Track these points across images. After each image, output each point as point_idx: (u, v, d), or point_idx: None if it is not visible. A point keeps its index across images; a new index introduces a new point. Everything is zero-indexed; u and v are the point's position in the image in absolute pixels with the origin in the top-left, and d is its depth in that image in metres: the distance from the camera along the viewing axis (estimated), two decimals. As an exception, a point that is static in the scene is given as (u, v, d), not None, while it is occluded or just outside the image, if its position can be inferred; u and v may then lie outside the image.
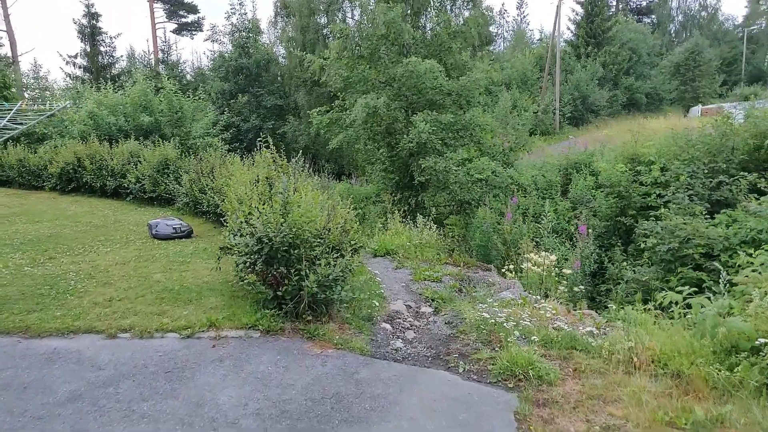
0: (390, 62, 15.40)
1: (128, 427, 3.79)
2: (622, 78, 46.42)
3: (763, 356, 4.06)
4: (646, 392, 4.12)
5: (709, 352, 4.49)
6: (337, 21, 17.33)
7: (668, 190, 11.97)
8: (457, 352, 5.41)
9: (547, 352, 5.18)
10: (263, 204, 6.07)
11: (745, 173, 10.97)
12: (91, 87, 24.31)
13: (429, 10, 18.07)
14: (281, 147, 25.31)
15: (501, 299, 7.57)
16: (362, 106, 13.96)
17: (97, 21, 40.37)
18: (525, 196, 15.80)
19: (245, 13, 35.09)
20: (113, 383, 4.39)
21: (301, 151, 9.17)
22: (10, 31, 40.55)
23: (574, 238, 12.90)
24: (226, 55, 34.64)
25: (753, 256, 6.33)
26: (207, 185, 11.45)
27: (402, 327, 6.35)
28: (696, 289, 8.53)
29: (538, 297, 7.16)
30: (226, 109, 31.44)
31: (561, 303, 7.62)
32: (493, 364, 4.91)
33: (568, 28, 53.57)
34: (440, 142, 14.23)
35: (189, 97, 20.81)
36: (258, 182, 7.44)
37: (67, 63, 39.96)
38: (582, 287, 8.79)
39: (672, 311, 5.57)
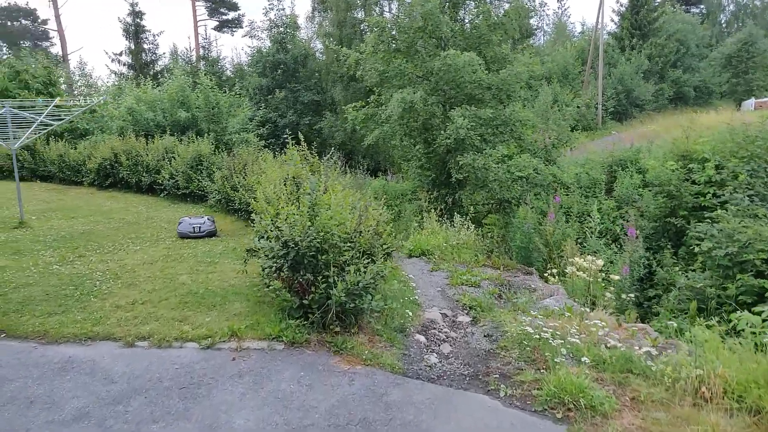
0: (427, 55, 14.93)
1: (134, 453, 3.46)
2: (668, 71, 44.52)
3: None
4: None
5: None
6: (374, 15, 16.94)
7: (724, 189, 11.15)
8: (497, 371, 4.93)
9: (599, 375, 4.67)
10: (290, 205, 5.71)
11: (813, 172, 10.13)
12: (133, 83, 24.58)
13: (468, 1, 17.46)
14: (317, 143, 25.07)
15: (544, 308, 7.08)
16: (398, 101, 13.54)
17: (141, 19, 41.08)
18: (567, 195, 15.16)
19: (283, 9, 35.03)
20: (124, 400, 4.08)
21: (334, 148, 8.83)
22: (60, 31, 41.77)
23: (619, 240, 12.25)
24: (264, 50, 34.60)
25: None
26: (239, 182, 11.20)
27: (437, 339, 5.91)
28: (756, 298, 7.92)
29: (586, 309, 6.60)
30: (263, 104, 31.37)
31: (610, 314, 7.08)
32: (538, 389, 4.42)
33: (612, 20, 51.47)
34: (479, 138, 13.69)
35: (226, 92, 20.72)
36: (287, 182, 7.09)
37: (113, 60, 40.74)
38: (632, 295, 8.20)
39: (743, 330, 4.94)
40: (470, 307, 7.04)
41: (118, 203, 13.92)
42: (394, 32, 15.59)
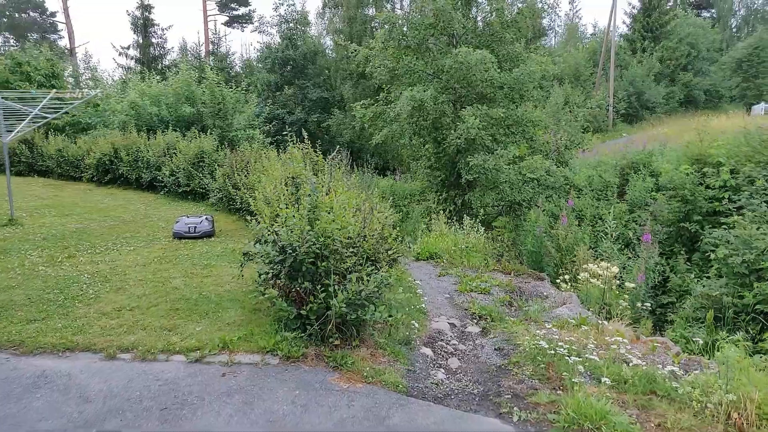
0: (438, 53, 14.55)
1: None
2: (679, 74, 44.01)
3: None
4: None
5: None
6: (385, 11, 16.53)
7: (740, 194, 10.72)
8: (509, 391, 4.53)
9: (621, 397, 4.26)
10: (290, 207, 5.31)
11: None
12: (137, 77, 24.25)
13: (480, -1, 17.04)
14: (325, 140, 24.65)
15: (557, 317, 6.70)
16: (407, 99, 13.15)
17: (150, 13, 40.88)
18: (578, 197, 14.74)
19: (293, 4, 34.57)
20: (97, 422, 3.67)
21: (338, 147, 8.45)
22: (68, 24, 41.58)
23: (632, 245, 11.84)
24: (273, 46, 34.21)
25: None
26: (240, 181, 10.84)
27: (445, 352, 5.51)
28: None
29: (603, 321, 6.18)
30: (271, 101, 31.00)
31: (626, 325, 6.67)
32: (555, 412, 4.01)
33: (624, 22, 51.04)
34: (490, 138, 13.31)
35: (232, 88, 20.34)
36: (287, 182, 6.68)
37: (120, 54, 40.47)
38: (648, 304, 7.81)
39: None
40: (480, 317, 6.68)
41: (116, 200, 13.55)
42: (405, 29, 15.19)
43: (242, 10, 54.05)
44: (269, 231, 5.23)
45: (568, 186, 15.13)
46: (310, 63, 33.09)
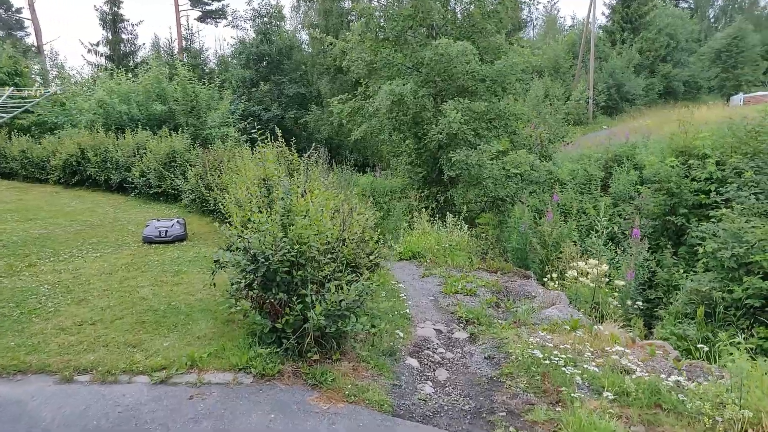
0: (418, 45, 14.14)
1: None
2: (659, 65, 44.19)
3: None
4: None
5: None
6: (361, 1, 16.02)
7: (727, 186, 10.55)
8: (503, 407, 4.19)
9: (624, 412, 3.96)
10: (262, 211, 4.91)
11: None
12: (106, 74, 23.43)
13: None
14: (303, 137, 24.14)
15: (548, 319, 6.42)
16: (386, 93, 12.73)
17: (119, 8, 39.46)
18: (562, 191, 14.51)
19: (267, -2, 33.87)
20: (45, 461, 3.26)
21: (315, 143, 8.02)
22: (35, 20, 40.27)
23: (617, 239, 11.64)
24: (248, 41, 33.50)
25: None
26: (213, 181, 10.36)
27: (432, 362, 5.16)
28: (764, 301, 7.32)
29: (599, 327, 5.89)
30: (247, 97, 30.34)
31: (620, 327, 6.40)
32: (555, 433, 3.68)
33: (603, 13, 51.13)
34: (472, 132, 12.95)
35: (205, 84, 19.73)
36: (259, 185, 6.25)
37: (90, 51, 39.17)
38: (639, 303, 7.57)
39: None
40: (467, 321, 6.36)
41: (84, 203, 12.91)
42: (382, 21, 14.75)
43: (215, 5, 52.84)
44: (240, 237, 4.82)
45: (552, 180, 14.90)
46: (285, 58, 32.46)
